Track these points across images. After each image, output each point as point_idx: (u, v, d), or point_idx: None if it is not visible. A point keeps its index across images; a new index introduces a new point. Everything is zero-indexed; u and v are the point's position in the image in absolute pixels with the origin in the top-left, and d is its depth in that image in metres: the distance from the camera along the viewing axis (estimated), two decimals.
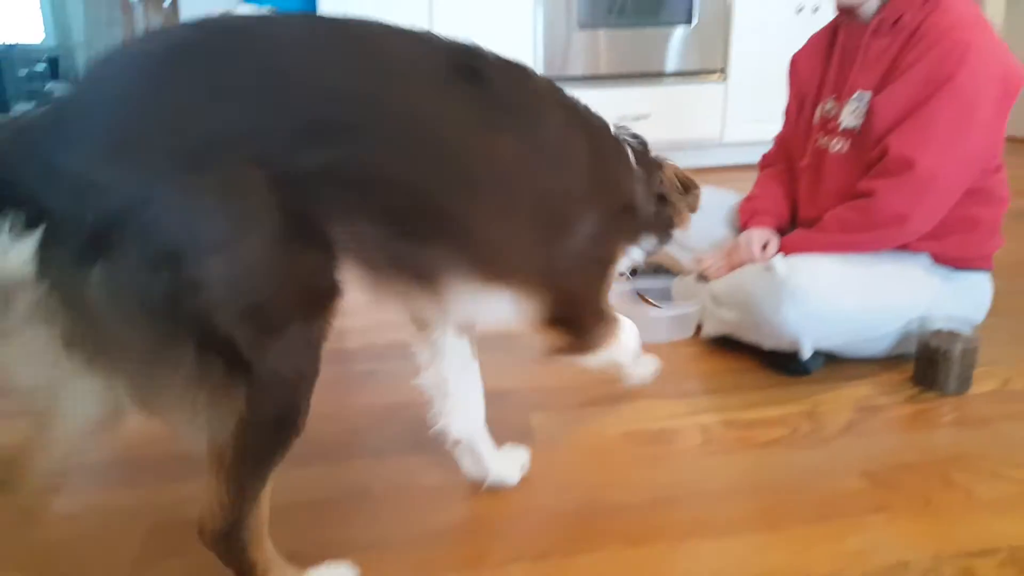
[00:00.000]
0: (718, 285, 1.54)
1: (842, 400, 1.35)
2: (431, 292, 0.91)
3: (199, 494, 0.89)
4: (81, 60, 8.67)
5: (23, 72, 7.91)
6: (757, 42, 3.36)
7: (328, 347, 1.62)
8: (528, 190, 0.93)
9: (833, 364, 1.45)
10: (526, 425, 1.30)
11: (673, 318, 1.63)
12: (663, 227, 1.21)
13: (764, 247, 1.51)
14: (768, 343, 1.42)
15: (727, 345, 1.53)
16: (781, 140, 1.72)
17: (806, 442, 1.22)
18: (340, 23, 0.83)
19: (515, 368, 1.52)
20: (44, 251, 0.64)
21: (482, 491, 1.12)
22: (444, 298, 0.92)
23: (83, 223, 0.63)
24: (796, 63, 1.63)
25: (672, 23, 3.32)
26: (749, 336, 1.45)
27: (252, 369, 0.74)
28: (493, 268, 0.92)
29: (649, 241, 1.19)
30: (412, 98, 0.82)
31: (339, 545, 1.00)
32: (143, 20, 5.34)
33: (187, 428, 0.75)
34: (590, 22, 3.25)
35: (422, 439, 1.25)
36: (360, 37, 0.83)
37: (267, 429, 0.79)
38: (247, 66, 0.75)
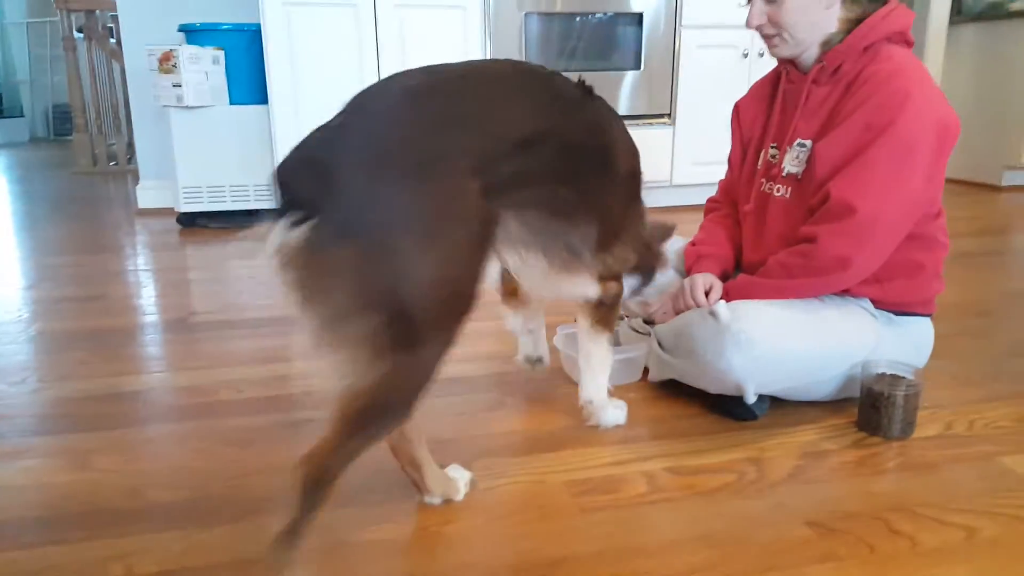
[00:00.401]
0: (663, 330, 1.52)
1: (787, 446, 1.33)
2: (566, 261, 1.16)
3: (126, 551, 1.01)
4: (25, 97, 8.50)
5: None
6: (703, 86, 3.44)
7: (268, 395, 1.58)
8: (626, 172, 1.25)
9: (779, 408, 1.44)
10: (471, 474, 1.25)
11: (619, 362, 1.60)
12: (647, 269, 1.38)
13: (708, 292, 1.50)
14: (713, 388, 1.40)
15: (673, 390, 1.51)
16: (725, 186, 1.73)
17: (752, 489, 1.19)
18: (527, 67, 1.16)
19: (456, 417, 1.47)
20: (310, 232, 0.84)
21: (416, 545, 1.07)
22: (573, 268, 1.18)
23: (338, 215, 0.85)
24: (739, 110, 1.65)
25: (621, 68, 3.39)
26: (694, 381, 1.43)
27: (414, 348, 0.90)
28: (614, 235, 1.23)
29: (635, 279, 1.36)
30: (570, 113, 1.14)
31: None
32: (86, 57, 5.24)
33: (337, 369, 0.89)
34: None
35: (359, 491, 1.20)
36: (536, 76, 1.14)
37: (396, 397, 0.92)
38: (468, 101, 1.00)
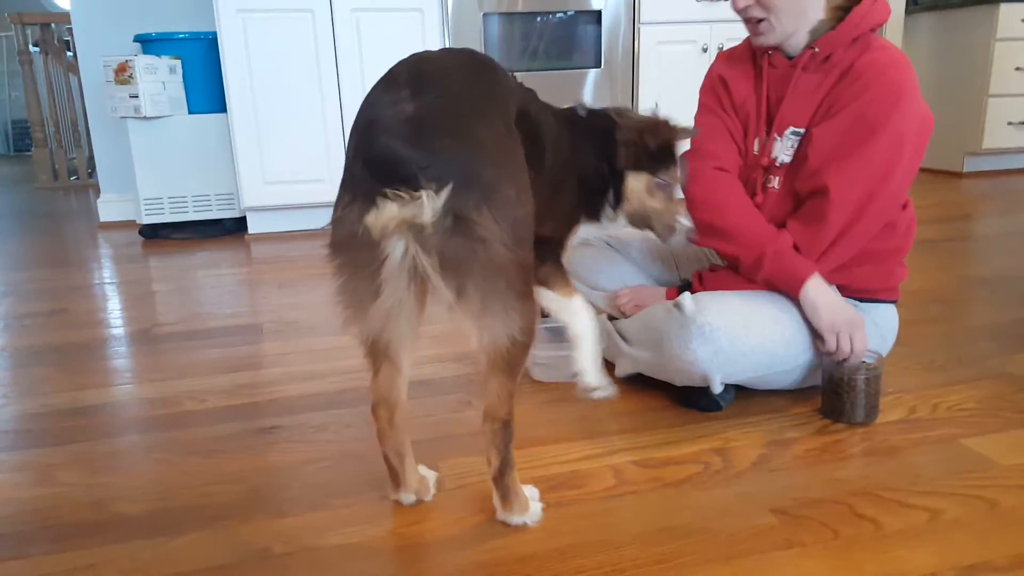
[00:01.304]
0: (626, 324, 1.53)
1: (753, 435, 1.35)
2: None
3: (92, 562, 1.01)
4: None
5: None
6: (664, 82, 3.48)
7: (232, 404, 1.56)
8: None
9: (744, 398, 1.46)
10: (436, 473, 1.25)
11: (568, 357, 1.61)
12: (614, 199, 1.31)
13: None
14: (679, 380, 1.41)
15: (639, 384, 1.52)
16: (715, 161, 1.53)
17: (717, 479, 1.21)
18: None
19: (423, 419, 1.47)
20: (444, 203, 0.89)
21: (386, 547, 1.06)
22: None
23: (466, 184, 0.90)
24: (727, 82, 1.53)
25: (582, 67, 3.41)
26: (660, 374, 1.44)
27: (530, 286, 1.00)
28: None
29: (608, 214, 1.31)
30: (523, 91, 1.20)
31: None
32: (43, 71, 5.14)
33: (487, 327, 0.98)
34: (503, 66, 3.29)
35: (325, 496, 1.20)
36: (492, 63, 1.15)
37: (533, 332, 1.01)
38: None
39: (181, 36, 3.20)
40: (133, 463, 1.33)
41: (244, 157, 3.15)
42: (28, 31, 4.91)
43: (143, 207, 3.27)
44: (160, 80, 3.12)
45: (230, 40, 3.04)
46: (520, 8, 3.28)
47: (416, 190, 0.88)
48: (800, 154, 1.41)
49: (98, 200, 3.72)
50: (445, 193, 0.88)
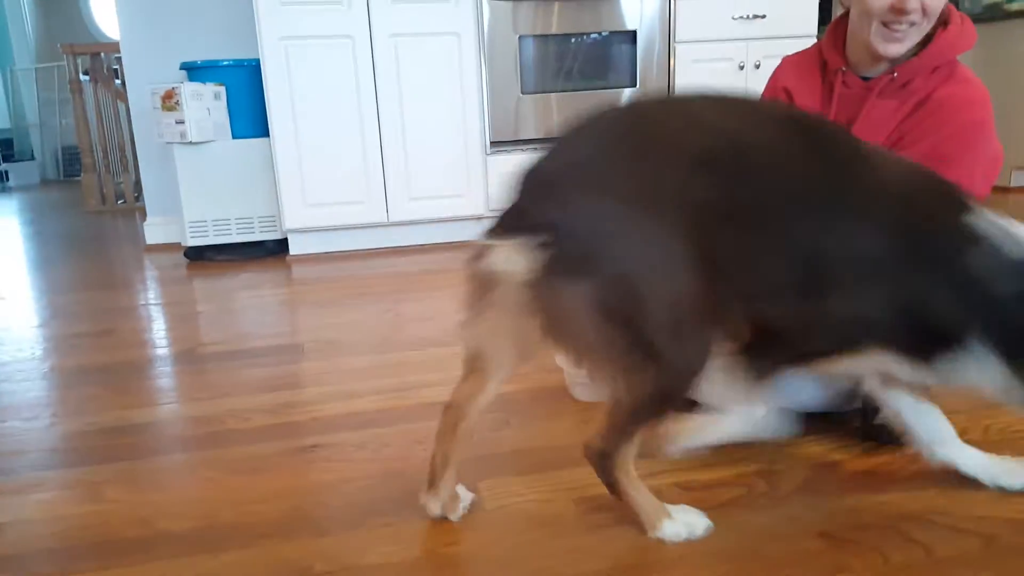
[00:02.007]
0: None
1: (797, 457, 1.32)
2: None
3: None
4: (35, 140, 8.65)
5: None
6: None
7: (275, 423, 1.58)
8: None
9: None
10: (475, 495, 1.25)
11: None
12: None
13: None
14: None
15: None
16: None
17: (763, 502, 1.18)
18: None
19: None
20: (542, 261, 0.91)
21: (424, 568, 1.06)
22: None
23: (572, 245, 0.91)
24: (791, 93, 1.48)
25: (618, 86, 3.41)
26: (703, 396, 1.42)
27: (662, 357, 0.94)
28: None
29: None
30: None
31: None
32: (93, 98, 5.33)
33: (603, 377, 0.99)
34: (536, 87, 3.32)
35: (365, 515, 1.20)
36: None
37: (659, 396, 0.99)
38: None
39: (225, 63, 3.29)
40: (178, 481, 1.35)
41: (286, 180, 3.22)
42: (79, 60, 5.09)
43: (188, 230, 3.35)
44: (205, 106, 3.21)
45: (273, 67, 3.11)
46: (555, 30, 3.31)
47: (518, 240, 0.92)
48: None
49: (144, 223, 3.82)
50: (539, 250, 0.90)
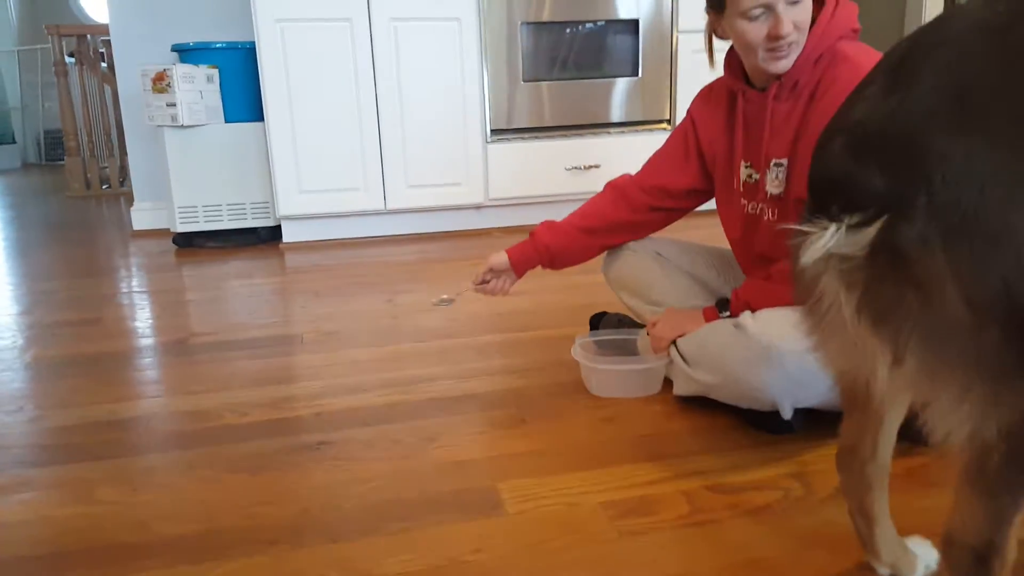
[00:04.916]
0: (686, 345, 1.44)
1: (831, 459, 1.24)
2: None
3: None
4: (17, 123, 8.46)
5: None
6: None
7: (275, 418, 1.50)
8: None
9: (816, 418, 1.37)
10: (494, 497, 1.18)
11: (635, 373, 1.54)
12: None
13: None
14: (745, 404, 1.32)
15: (699, 401, 1.44)
16: (651, 181, 1.60)
17: (800, 507, 1.12)
18: None
19: (475, 436, 1.40)
20: (886, 234, 0.65)
21: None
22: None
23: (932, 206, 0.63)
24: (696, 123, 1.55)
25: (618, 75, 3.34)
26: (724, 397, 1.36)
27: None
28: None
29: None
30: None
31: None
32: (78, 81, 5.18)
33: (948, 412, 0.68)
34: (538, 75, 3.24)
35: (379, 519, 1.13)
36: None
37: None
38: None
39: (219, 45, 3.18)
40: (175, 480, 1.27)
41: (280, 166, 3.12)
42: (64, 42, 4.94)
43: (177, 215, 3.24)
44: (197, 89, 3.10)
45: (268, 49, 3.01)
46: (557, 17, 3.23)
47: (850, 214, 0.67)
48: (788, 188, 1.35)
49: (131, 208, 3.70)
50: (875, 220, 0.65)
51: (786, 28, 1.27)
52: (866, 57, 1.29)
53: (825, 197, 0.70)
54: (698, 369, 1.39)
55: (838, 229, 0.68)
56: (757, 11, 1.27)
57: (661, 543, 1.04)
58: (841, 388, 0.91)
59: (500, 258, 1.65)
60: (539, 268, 1.67)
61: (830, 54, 1.31)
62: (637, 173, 1.63)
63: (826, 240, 0.68)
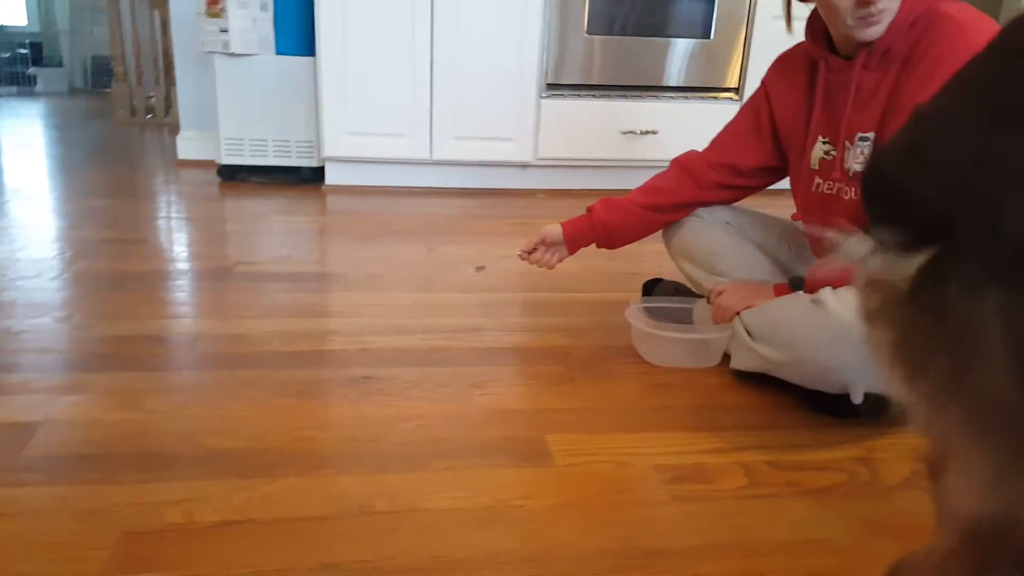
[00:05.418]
0: (752, 319, 1.38)
1: (899, 447, 1.21)
2: None
3: (184, 497, 0.94)
4: (65, 47, 8.48)
5: (5, 55, 7.67)
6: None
7: (322, 349, 1.48)
8: None
9: (885, 403, 1.32)
10: (542, 448, 1.15)
11: (693, 342, 1.49)
12: None
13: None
14: (812, 385, 1.27)
15: (755, 377, 1.39)
16: (719, 158, 1.54)
17: (866, 493, 1.08)
18: None
19: (521, 388, 1.37)
20: (936, 267, 0.52)
21: (495, 519, 0.97)
22: None
23: (1000, 241, 0.49)
24: (771, 99, 1.46)
25: (689, 36, 3.22)
26: (790, 375, 1.31)
27: None
28: None
29: None
30: None
31: (346, 568, 0.85)
32: (129, 10, 5.15)
33: (955, 488, 0.57)
34: (604, 29, 3.13)
35: (426, 456, 1.11)
36: None
37: None
38: None
39: None
40: (222, 398, 1.25)
41: (329, 104, 3.07)
42: None
43: (223, 147, 3.22)
44: (251, 16, 3.05)
45: None
46: None
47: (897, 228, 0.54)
48: None
49: (177, 137, 3.69)
50: (922, 246, 0.52)
51: None
52: (970, 17, 1.19)
53: (873, 207, 0.58)
54: (764, 344, 1.34)
55: (878, 246, 0.55)
56: None
57: (717, 512, 1.01)
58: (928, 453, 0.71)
59: (555, 230, 1.59)
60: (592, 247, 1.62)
61: (927, 17, 1.20)
62: (705, 149, 1.57)
63: (864, 250, 0.57)
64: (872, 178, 0.59)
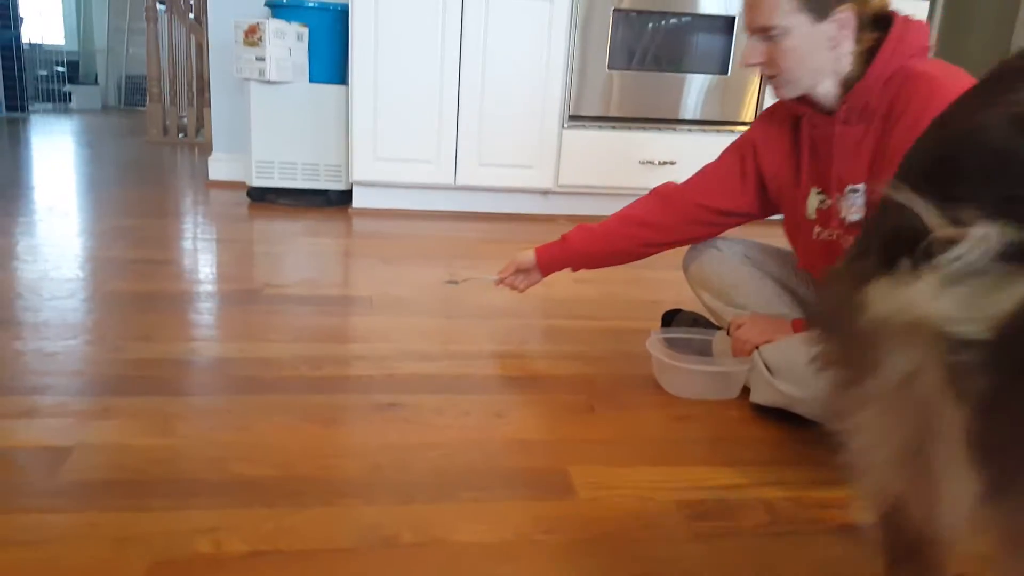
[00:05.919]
0: (772, 354, 1.38)
1: None
2: None
3: (214, 525, 0.94)
4: (100, 65, 8.69)
5: (43, 72, 7.89)
6: None
7: (349, 375, 1.51)
8: None
9: None
10: (565, 481, 1.16)
11: (713, 375, 1.50)
12: None
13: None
14: (832, 423, 1.27)
15: (774, 412, 1.39)
16: (699, 197, 1.54)
17: None
18: None
19: (542, 417, 1.38)
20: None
21: (516, 553, 0.98)
22: None
23: None
24: (758, 153, 1.48)
25: (707, 72, 3.27)
26: (810, 413, 1.31)
27: None
28: None
29: None
30: None
31: None
32: (166, 28, 5.29)
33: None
34: (624, 64, 3.19)
35: (452, 486, 1.12)
36: None
37: None
38: None
39: (311, 4, 3.20)
40: (251, 423, 1.28)
41: (359, 130, 3.13)
42: None
43: (255, 169, 3.28)
44: (287, 46, 3.13)
45: (361, 13, 3.01)
46: (651, 7, 3.17)
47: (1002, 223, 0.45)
48: (869, 211, 1.29)
49: (209, 158, 3.77)
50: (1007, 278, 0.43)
51: (750, 58, 1.28)
52: (942, 71, 1.22)
53: (896, 230, 0.47)
54: (782, 380, 1.34)
55: (978, 241, 0.44)
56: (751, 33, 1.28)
57: (739, 549, 1.01)
58: (883, 521, 0.65)
59: (527, 256, 1.66)
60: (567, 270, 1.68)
61: (902, 73, 1.24)
62: (687, 184, 1.57)
63: (907, 296, 0.45)
64: (972, 155, 0.48)
